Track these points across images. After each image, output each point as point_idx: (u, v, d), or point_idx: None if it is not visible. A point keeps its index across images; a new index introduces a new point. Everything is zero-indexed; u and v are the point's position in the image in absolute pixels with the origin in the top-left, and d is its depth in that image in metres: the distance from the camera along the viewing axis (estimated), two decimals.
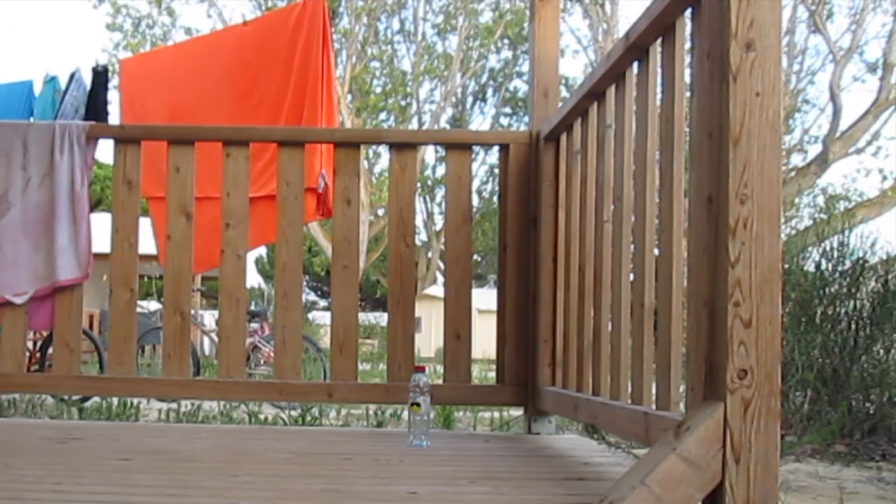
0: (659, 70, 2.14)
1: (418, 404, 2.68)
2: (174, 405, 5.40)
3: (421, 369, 2.76)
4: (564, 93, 6.10)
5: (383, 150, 21.16)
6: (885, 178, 18.92)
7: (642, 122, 2.19)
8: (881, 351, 4.11)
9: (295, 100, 4.66)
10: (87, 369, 6.06)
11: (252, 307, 8.20)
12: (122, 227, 3.32)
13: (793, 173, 17.26)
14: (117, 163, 3.35)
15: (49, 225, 3.33)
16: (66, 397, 5.30)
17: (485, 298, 13.73)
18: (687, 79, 1.93)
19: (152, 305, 10.14)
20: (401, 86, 22.62)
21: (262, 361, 6.92)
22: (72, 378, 3.35)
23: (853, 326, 4.11)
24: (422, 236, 25.56)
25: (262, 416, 4.86)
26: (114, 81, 5.84)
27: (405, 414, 5.03)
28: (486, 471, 2.28)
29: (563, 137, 3.03)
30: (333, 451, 2.61)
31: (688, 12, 1.91)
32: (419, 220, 24.53)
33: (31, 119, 5.09)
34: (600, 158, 2.59)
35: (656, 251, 2.10)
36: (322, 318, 20.23)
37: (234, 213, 3.30)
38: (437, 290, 21.87)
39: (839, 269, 4.26)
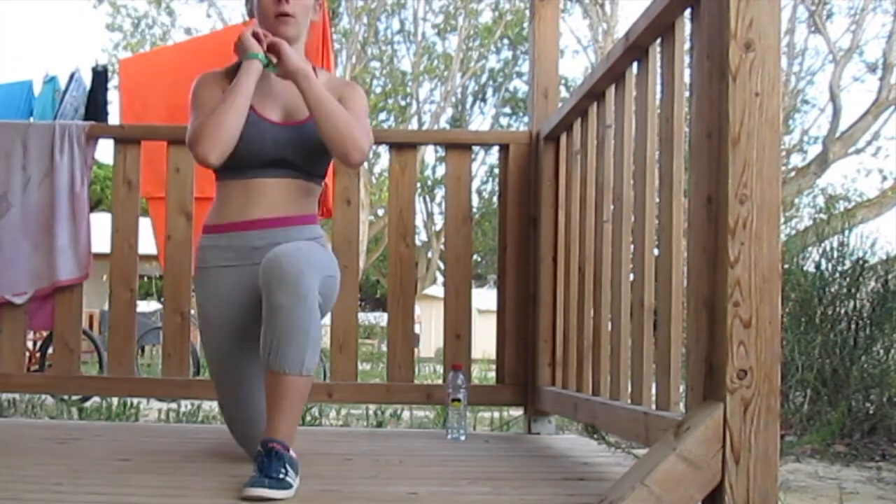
0: (658, 70, 2.14)
1: (458, 400, 2.86)
2: (174, 405, 5.39)
3: (459, 367, 2.92)
4: (564, 93, 6.10)
5: (383, 150, 21.15)
6: (885, 178, 18.92)
7: (642, 122, 2.19)
8: (881, 351, 4.11)
9: None
10: (87, 369, 6.06)
11: None
12: (122, 227, 3.32)
13: (793, 173, 17.25)
14: (117, 163, 3.35)
15: (49, 225, 3.33)
16: (66, 397, 5.29)
17: (485, 298, 13.73)
18: (686, 79, 1.94)
19: (151, 305, 10.14)
20: (401, 86, 22.60)
21: None
22: (72, 378, 3.35)
23: (853, 326, 4.12)
24: (422, 236, 25.55)
25: None
26: (114, 81, 5.84)
27: (405, 414, 5.05)
28: (486, 471, 2.28)
29: (563, 137, 3.03)
30: (333, 451, 2.61)
31: (687, 12, 1.91)
32: (419, 220, 24.53)
33: (31, 119, 5.09)
34: (600, 158, 2.59)
35: (656, 251, 2.10)
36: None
37: None
38: (437, 290, 21.86)
39: (839, 269, 4.26)
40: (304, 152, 2.29)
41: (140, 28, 22.59)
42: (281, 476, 1.83)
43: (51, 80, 5.09)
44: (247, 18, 4.48)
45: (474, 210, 4.27)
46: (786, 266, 4.28)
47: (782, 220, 2.84)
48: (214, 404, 5.14)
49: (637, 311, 2.18)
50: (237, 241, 2.29)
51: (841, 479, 3.16)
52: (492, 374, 3.49)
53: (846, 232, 4.35)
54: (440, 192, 24.40)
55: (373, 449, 2.66)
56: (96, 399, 5.23)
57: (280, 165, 2.28)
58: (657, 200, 2.10)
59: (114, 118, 5.04)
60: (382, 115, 22.47)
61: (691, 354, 1.76)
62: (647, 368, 2.12)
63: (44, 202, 3.34)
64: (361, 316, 7.35)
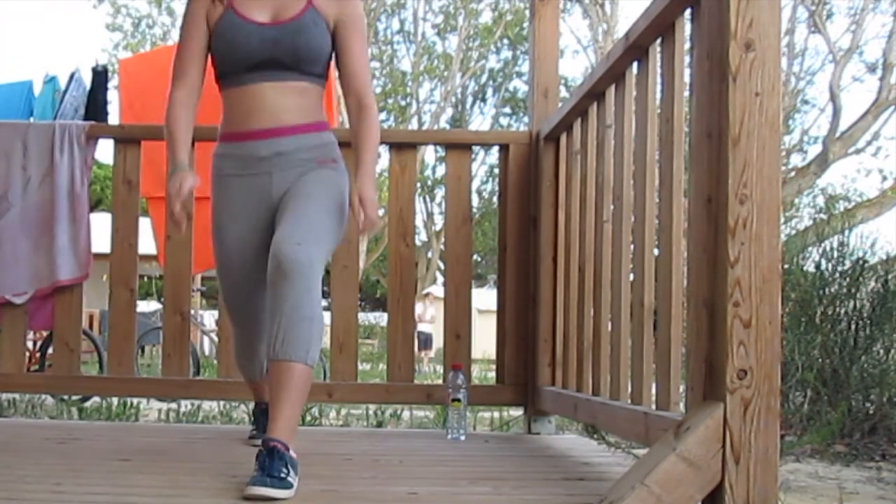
0: (659, 70, 2.14)
1: (458, 400, 2.86)
2: (174, 405, 5.39)
3: (459, 367, 2.92)
4: (564, 93, 6.10)
5: (383, 150, 21.13)
6: (885, 178, 18.91)
7: (642, 122, 2.19)
8: (881, 351, 4.11)
9: None
10: (87, 369, 6.05)
11: None
12: (122, 227, 3.32)
13: (793, 173, 17.24)
14: (117, 163, 3.35)
15: (49, 225, 3.33)
16: (66, 397, 5.29)
17: (485, 298, 13.72)
18: (686, 79, 1.94)
19: (152, 305, 10.14)
20: (401, 86, 22.60)
21: None
22: (72, 378, 3.35)
23: (853, 326, 4.11)
24: (422, 236, 25.53)
25: None
26: (114, 81, 5.84)
27: (405, 414, 5.04)
28: (486, 471, 2.28)
29: (563, 137, 3.03)
30: (333, 451, 2.61)
31: (687, 12, 1.91)
32: (419, 220, 24.49)
33: (31, 119, 5.09)
34: (600, 158, 2.59)
35: (656, 251, 2.10)
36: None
37: None
38: (437, 290, 21.85)
39: (839, 269, 4.26)
40: (294, 50, 2.25)
41: (140, 28, 22.60)
42: (283, 475, 1.83)
43: (51, 80, 5.09)
44: None
45: (474, 210, 4.27)
46: (786, 266, 4.28)
47: (782, 220, 2.85)
48: (214, 404, 5.13)
49: (637, 311, 2.18)
50: (243, 150, 2.31)
51: (841, 479, 3.15)
52: (492, 374, 3.49)
53: (846, 232, 4.35)
54: (440, 192, 24.39)
55: (373, 449, 2.66)
56: (96, 399, 5.23)
57: (272, 66, 2.25)
58: (657, 200, 2.10)
59: (114, 118, 5.04)
60: (382, 115, 22.47)
61: (691, 354, 1.76)
62: (647, 368, 2.12)
63: (44, 202, 3.34)
64: (361, 316, 7.35)
